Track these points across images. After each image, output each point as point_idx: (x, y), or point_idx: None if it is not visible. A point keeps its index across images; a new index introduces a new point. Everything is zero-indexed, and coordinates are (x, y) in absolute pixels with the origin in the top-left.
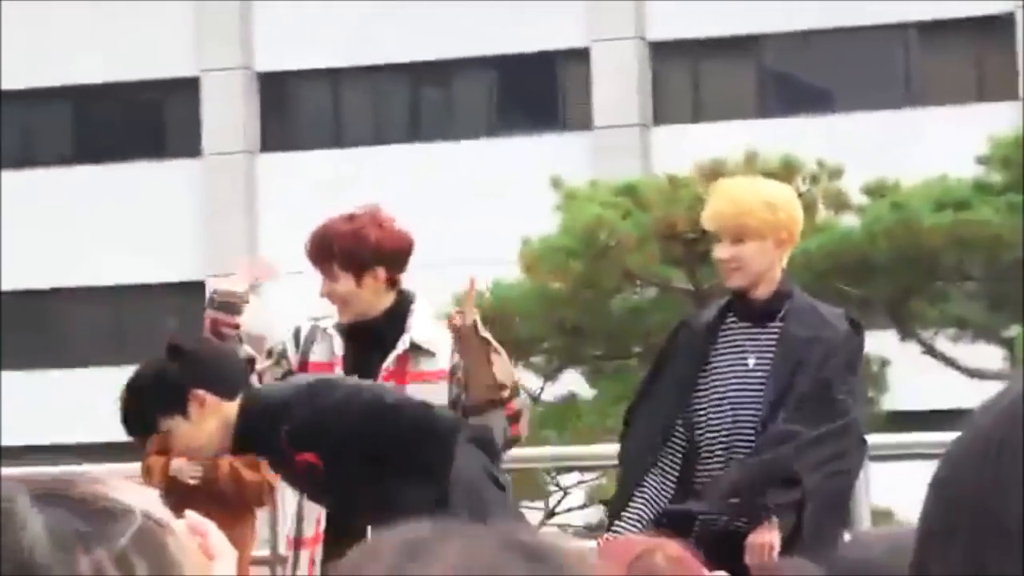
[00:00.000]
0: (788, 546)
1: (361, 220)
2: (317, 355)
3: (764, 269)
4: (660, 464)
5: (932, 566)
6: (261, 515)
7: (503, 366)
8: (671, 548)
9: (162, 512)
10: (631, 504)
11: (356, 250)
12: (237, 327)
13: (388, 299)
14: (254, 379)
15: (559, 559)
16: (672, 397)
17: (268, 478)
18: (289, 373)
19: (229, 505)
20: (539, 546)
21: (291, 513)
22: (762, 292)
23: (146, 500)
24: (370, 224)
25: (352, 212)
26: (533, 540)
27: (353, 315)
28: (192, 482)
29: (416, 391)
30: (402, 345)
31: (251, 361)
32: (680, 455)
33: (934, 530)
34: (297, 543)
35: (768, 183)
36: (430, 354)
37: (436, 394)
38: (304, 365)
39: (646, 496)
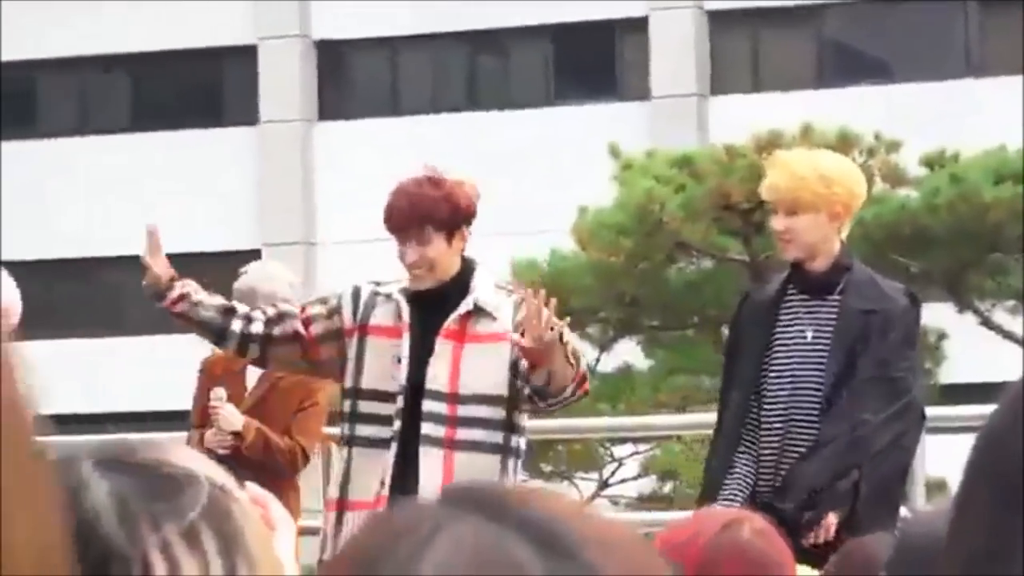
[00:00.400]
0: (846, 524)
1: (446, 182)
2: (379, 318)
3: (817, 241)
4: (744, 441)
5: (961, 537)
6: (313, 484)
7: (572, 346)
8: (757, 521)
9: (225, 478)
10: (727, 481)
11: (455, 212)
12: (180, 299)
13: (458, 263)
14: (239, 324)
15: (583, 553)
16: (748, 372)
17: (301, 443)
18: (340, 331)
19: (267, 474)
20: (562, 537)
21: (336, 475)
22: (819, 265)
23: (207, 466)
24: (454, 184)
25: (428, 176)
26: (557, 529)
27: (434, 280)
28: (223, 452)
29: (472, 351)
30: (465, 306)
31: (230, 311)
32: (759, 431)
33: (964, 502)
34: (341, 504)
35: (827, 156)
36: (491, 317)
37: (495, 355)
38: (364, 327)
39: (738, 474)
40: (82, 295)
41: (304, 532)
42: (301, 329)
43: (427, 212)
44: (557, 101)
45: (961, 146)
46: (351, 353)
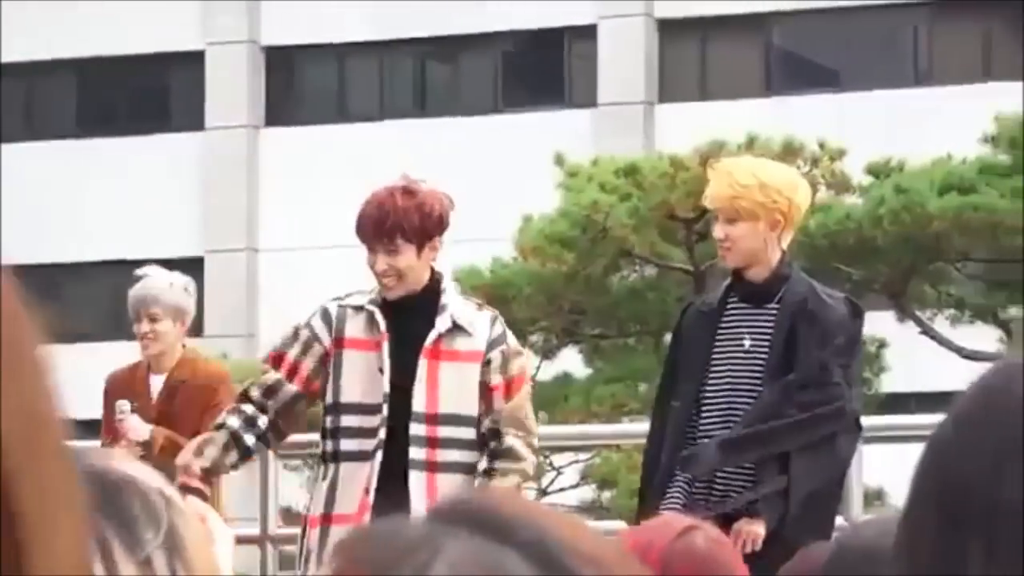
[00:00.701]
0: (776, 535)
1: (420, 192)
2: (353, 331)
3: (757, 249)
4: (684, 450)
5: (907, 546)
6: (249, 491)
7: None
8: (710, 529)
9: (166, 486)
10: (669, 489)
11: (425, 222)
12: (206, 477)
13: (428, 273)
14: (250, 435)
15: (579, 570)
16: (688, 383)
17: None
18: (325, 356)
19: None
20: (558, 554)
21: (321, 491)
22: (758, 274)
23: (149, 474)
24: (427, 194)
25: (403, 184)
26: (553, 546)
27: (405, 289)
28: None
29: (449, 370)
30: (444, 324)
31: (235, 436)
32: (696, 439)
33: (910, 511)
34: (326, 520)
35: (770, 165)
36: (467, 333)
37: (469, 373)
38: (339, 341)
39: (679, 482)
40: (29, 301)
41: (242, 541)
42: (296, 387)
43: (397, 222)
44: (505, 108)
45: (911, 154)
46: (330, 369)
